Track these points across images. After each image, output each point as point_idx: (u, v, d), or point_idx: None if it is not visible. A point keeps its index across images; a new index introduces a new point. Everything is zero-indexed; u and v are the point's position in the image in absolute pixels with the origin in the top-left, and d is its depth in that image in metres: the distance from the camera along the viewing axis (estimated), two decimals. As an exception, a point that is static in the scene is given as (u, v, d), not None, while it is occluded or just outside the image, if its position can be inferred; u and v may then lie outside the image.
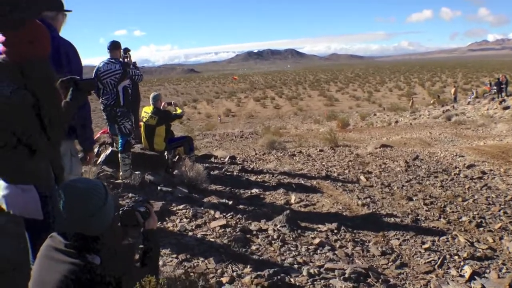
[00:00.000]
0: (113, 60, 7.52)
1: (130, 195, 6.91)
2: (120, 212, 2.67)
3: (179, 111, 9.24)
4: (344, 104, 68.72)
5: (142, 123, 8.89)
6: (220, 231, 5.52)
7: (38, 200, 2.77)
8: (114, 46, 7.70)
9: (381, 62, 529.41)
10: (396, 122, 33.24)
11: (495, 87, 36.52)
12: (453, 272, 5.09)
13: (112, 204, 2.34)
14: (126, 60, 8.90)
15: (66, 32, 4.10)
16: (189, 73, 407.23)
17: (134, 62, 9.29)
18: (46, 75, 2.64)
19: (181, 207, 6.46)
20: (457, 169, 10.72)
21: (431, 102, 49.76)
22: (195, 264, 4.48)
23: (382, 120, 36.89)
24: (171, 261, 4.51)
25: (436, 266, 5.23)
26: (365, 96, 75.95)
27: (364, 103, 67.54)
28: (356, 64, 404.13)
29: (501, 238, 6.32)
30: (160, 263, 4.46)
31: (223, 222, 5.79)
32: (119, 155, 7.79)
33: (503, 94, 34.61)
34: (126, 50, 9.27)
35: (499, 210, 7.55)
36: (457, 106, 38.02)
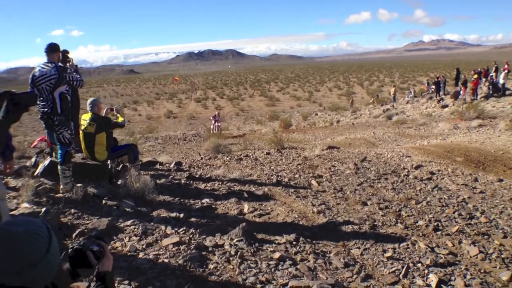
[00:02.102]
0: (49, 64, 6.90)
1: (72, 211, 6.40)
2: (70, 251, 2.23)
3: (120, 119, 8.67)
4: (285, 104, 69.11)
5: (81, 131, 8.33)
6: (173, 249, 5.10)
7: None
8: (51, 49, 7.06)
9: (320, 63, 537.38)
10: (338, 121, 33.60)
11: (433, 87, 37.61)
12: (419, 281, 4.93)
13: (57, 247, 1.92)
14: (68, 64, 8.31)
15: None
16: (129, 74, 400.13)
17: (76, 66, 8.69)
18: None
19: (129, 223, 5.98)
20: (406, 170, 10.76)
21: (371, 101, 50.78)
22: (150, 290, 4.09)
23: (324, 120, 37.21)
24: None
25: (401, 276, 5.07)
26: (306, 96, 76.74)
27: (305, 103, 68.18)
28: (296, 64, 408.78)
29: (460, 242, 6.29)
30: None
31: (176, 239, 5.37)
32: (59, 167, 7.21)
33: (441, 93, 35.63)
34: (65, 52, 8.67)
35: (454, 212, 7.57)
36: (397, 105, 38.85)
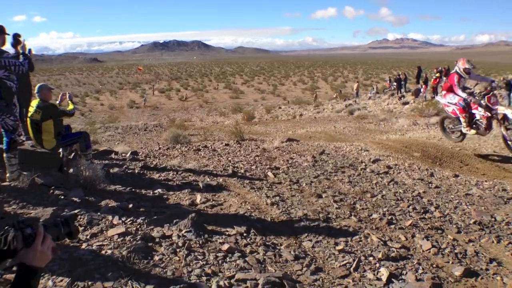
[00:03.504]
0: None
1: (17, 200, 6.14)
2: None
3: (70, 107, 8.38)
4: (249, 96, 69.14)
5: (28, 118, 8.02)
6: (118, 240, 4.90)
7: None
8: None
9: (286, 57, 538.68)
10: (301, 115, 33.68)
11: (395, 84, 38.11)
12: (369, 275, 4.85)
13: None
14: (18, 46, 7.94)
15: None
16: (92, 62, 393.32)
17: (29, 50, 8.28)
18: None
19: (74, 212, 5.77)
20: (363, 164, 10.74)
21: (334, 96, 51.20)
22: (89, 283, 3.87)
23: (287, 113, 37.24)
24: (61, 280, 3.87)
25: (351, 269, 4.98)
26: (270, 89, 76.95)
27: (269, 96, 68.36)
28: (261, 58, 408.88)
29: (413, 236, 6.23)
30: (50, 283, 3.84)
31: (121, 229, 5.16)
32: (4, 155, 6.93)
33: (402, 90, 36.13)
34: (16, 36, 8.30)
35: (408, 206, 7.54)
36: (359, 100, 39.24)
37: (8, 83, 6.74)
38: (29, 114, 7.85)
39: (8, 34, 7.16)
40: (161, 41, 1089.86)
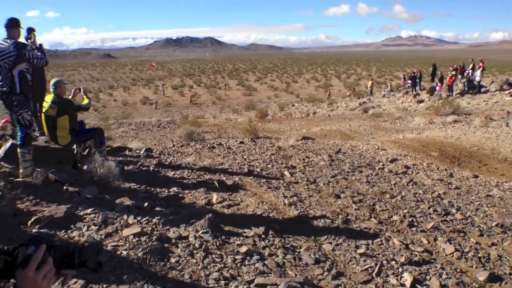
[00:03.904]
0: (8, 40, 6.46)
1: (30, 196, 6.01)
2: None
3: (85, 101, 8.25)
4: (262, 94, 68.97)
5: (42, 114, 7.91)
6: (133, 240, 4.75)
7: None
8: (11, 24, 6.59)
9: (299, 54, 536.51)
10: (314, 113, 33.45)
11: (409, 81, 37.71)
12: (392, 280, 4.69)
13: None
14: (29, 41, 7.87)
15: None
16: (105, 58, 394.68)
17: (40, 44, 8.23)
18: None
19: (89, 211, 5.60)
20: (381, 163, 10.56)
21: (348, 94, 50.89)
22: (104, 286, 3.73)
23: (300, 111, 37.02)
24: (75, 282, 3.73)
25: (374, 274, 4.82)
26: (283, 86, 76.69)
27: (282, 94, 68.15)
28: (274, 55, 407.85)
29: (435, 239, 6.08)
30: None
31: (137, 229, 5.01)
32: (18, 150, 6.80)
33: (417, 88, 35.73)
34: (30, 30, 8.24)
35: (429, 208, 7.38)
36: (373, 98, 38.92)
37: (28, 76, 6.64)
38: (44, 110, 7.74)
39: (23, 28, 7.06)
40: (174, 38, 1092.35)
